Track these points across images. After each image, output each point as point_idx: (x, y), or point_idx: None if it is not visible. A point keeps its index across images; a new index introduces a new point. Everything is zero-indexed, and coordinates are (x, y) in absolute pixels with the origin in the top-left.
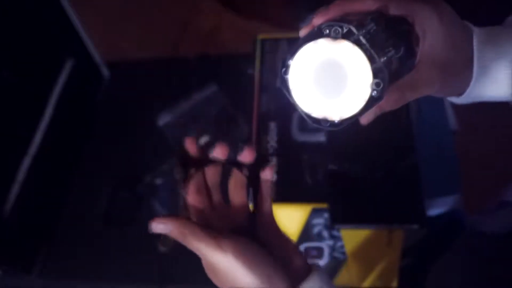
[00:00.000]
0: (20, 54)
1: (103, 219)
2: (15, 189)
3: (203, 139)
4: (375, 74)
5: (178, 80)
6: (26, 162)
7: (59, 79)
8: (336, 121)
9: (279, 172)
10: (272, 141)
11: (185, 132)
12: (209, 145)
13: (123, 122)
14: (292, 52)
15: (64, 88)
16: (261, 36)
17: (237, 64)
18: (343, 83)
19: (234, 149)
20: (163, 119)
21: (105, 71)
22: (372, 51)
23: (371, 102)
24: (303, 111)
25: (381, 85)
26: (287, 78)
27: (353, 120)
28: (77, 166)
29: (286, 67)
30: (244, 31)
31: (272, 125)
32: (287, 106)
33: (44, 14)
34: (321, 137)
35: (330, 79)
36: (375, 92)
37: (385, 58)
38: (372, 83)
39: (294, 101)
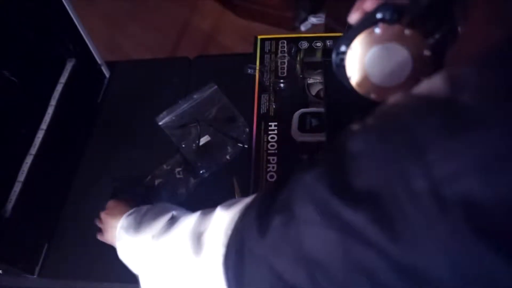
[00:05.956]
0: (21, 54)
1: None
2: (16, 189)
3: (203, 139)
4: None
5: (178, 80)
6: (28, 161)
7: (60, 79)
8: None
9: (279, 172)
10: (272, 141)
11: (185, 132)
12: None
13: (123, 122)
14: (348, 39)
15: (65, 88)
16: (261, 36)
17: (237, 64)
18: (405, 67)
19: (234, 149)
20: (163, 119)
21: (105, 71)
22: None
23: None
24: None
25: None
26: (344, 65)
27: None
28: (77, 166)
29: (342, 53)
30: (244, 31)
31: (272, 125)
32: (287, 106)
33: (45, 14)
34: (321, 137)
35: (389, 65)
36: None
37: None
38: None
39: (352, 87)
